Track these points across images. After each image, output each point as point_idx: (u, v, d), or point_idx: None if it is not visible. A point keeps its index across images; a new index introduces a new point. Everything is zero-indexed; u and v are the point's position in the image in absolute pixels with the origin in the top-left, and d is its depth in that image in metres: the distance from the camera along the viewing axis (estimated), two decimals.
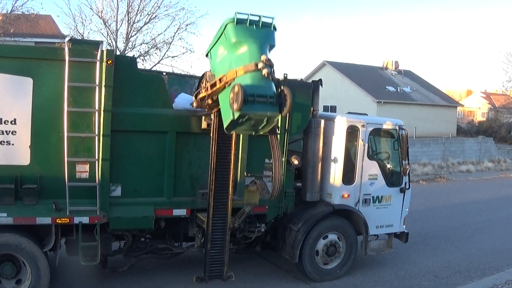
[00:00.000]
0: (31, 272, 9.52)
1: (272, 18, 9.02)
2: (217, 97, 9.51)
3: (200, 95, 10.09)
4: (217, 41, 9.34)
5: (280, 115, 9.25)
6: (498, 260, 14.35)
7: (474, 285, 12.22)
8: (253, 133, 9.46)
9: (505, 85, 69.88)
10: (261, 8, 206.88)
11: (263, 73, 8.55)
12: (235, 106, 8.38)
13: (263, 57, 8.62)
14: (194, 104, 10.39)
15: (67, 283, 10.91)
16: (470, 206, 22.86)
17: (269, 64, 8.64)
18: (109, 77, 9.49)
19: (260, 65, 8.55)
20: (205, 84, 9.79)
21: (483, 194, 26.75)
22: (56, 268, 10.41)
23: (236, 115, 8.56)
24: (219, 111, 9.72)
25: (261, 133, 9.38)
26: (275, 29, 9.12)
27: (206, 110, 10.19)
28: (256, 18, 8.86)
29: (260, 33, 8.91)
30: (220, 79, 9.11)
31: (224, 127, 9.10)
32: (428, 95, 63.27)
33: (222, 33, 9.03)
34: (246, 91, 8.35)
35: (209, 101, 9.88)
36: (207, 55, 9.94)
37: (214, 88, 9.35)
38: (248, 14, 8.77)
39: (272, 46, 9.13)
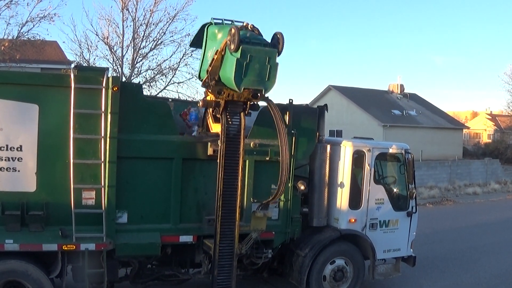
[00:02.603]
0: None
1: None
2: (219, 76, 9.82)
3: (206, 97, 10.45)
4: (204, 52, 10.02)
5: (278, 53, 9.59)
6: (506, 282, 14.29)
7: None
8: (263, 91, 9.81)
9: (510, 106, 69.95)
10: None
11: (249, 28, 9.48)
12: (233, 46, 9.09)
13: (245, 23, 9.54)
14: (201, 103, 10.57)
15: None
16: (477, 229, 22.73)
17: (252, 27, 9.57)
18: (115, 103, 9.52)
19: (244, 24, 9.52)
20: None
21: (490, 216, 26.61)
22: None
23: (238, 54, 9.12)
24: (226, 137, 9.78)
25: (269, 89, 9.85)
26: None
27: (211, 91, 10.19)
28: (229, 22, 9.67)
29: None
30: (216, 54, 9.60)
31: (233, 83, 9.36)
32: (434, 118, 63.28)
33: (206, 39, 9.71)
34: (241, 35, 9.02)
35: (213, 83, 9.94)
36: (199, 77, 10.36)
37: (214, 63, 9.69)
38: (222, 19, 9.71)
39: None
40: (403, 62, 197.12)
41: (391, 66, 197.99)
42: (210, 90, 10.11)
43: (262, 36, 9.63)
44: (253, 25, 9.62)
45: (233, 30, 9.10)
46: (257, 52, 9.26)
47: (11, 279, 9.40)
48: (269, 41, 9.66)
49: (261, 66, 9.32)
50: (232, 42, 9.08)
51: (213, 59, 9.72)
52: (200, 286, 12.07)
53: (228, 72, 9.40)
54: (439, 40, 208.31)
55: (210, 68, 9.76)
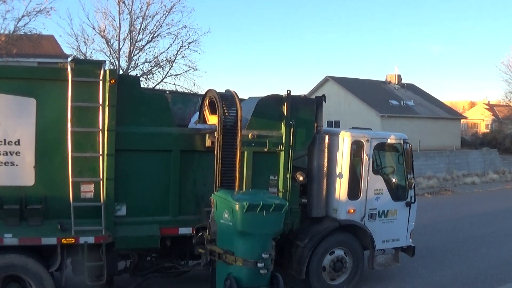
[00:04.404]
0: None
1: (286, 203, 9.50)
2: None
3: None
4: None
5: None
6: (505, 272, 14.27)
7: None
8: None
9: (508, 96, 69.91)
10: (262, 24, 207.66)
11: (260, 272, 9.16)
12: None
13: (264, 255, 9.15)
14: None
15: None
16: (476, 219, 22.76)
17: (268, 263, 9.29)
18: (112, 96, 9.52)
19: (259, 265, 9.13)
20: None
21: (488, 206, 26.65)
22: None
23: None
24: (223, 128, 9.77)
25: None
26: (286, 210, 9.49)
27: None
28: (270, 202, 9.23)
29: (269, 220, 9.22)
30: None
31: None
32: (432, 108, 63.36)
33: (231, 209, 9.19)
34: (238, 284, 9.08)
35: None
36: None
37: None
38: (260, 204, 9.04)
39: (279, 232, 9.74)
40: (400, 52, 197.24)
41: (388, 56, 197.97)
42: None
43: (272, 264, 9.65)
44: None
45: (229, 282, 9.19)
46: None
47: (10, 273, 9.40)
48: None
49: None
50: None
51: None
52: (200, 278, 12.10)
53: None
54: (435, 29, 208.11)
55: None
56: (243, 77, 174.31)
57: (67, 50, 37.53)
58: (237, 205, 8.81)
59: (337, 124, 51.56)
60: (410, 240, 13.05)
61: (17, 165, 9.33)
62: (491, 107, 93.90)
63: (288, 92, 11.01)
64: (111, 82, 9.51)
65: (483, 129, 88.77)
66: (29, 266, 9.37)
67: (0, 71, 9.80)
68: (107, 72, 9.56)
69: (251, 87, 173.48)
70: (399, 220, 12.64)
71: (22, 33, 31.61)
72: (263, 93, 11.33)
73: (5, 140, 9.23)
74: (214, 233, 9.60)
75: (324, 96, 11.93)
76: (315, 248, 11.44)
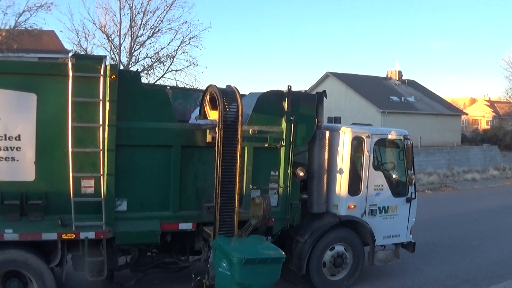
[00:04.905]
0: None
1: (283, 255, 9.34)
2: None
3: None
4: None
5: None
6: (506, 268, 14.29)
7: None
8: None
9: (508, 92, 69.85)
10: (262, 20, 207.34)
11: None
12: None
13: None
14: None
15: None
16: (476, 215, 22.78)
17: None
18: (113, 91, 9.51)
19: None
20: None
21: (489, 202, 26.67)
22: (62, 284, 10.35)
23: None
24: (224, 124, 9.77)
25: None
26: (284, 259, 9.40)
27: None
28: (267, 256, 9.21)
29: (267, 272, 9.19)
30: None
31: None
32: (432, 105, 63.27)
33: (229, 260, 9.11)
34: None
35: None
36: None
37: None
38: (257, 258, 9.01)
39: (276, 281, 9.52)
40: (401, 48, 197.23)
41: (389, 52, 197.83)
42: None
43: None
44: None
45: None
46: None
47: (11, 269, 9.41)
48: None
49: None
50: None
51: None
52: (200, 274, 12.10)
53: None
54: (436, 26, 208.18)
55: None
56: (244, 73, 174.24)
57: (67, 46, 37.59)
58: (235, 259, 8.79)
59: (337, 120, 51.50)
60: (411, 236, 13.05)
61: (17, 160, 9.33)
62: (491, 104, 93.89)
63: (289, 87, 11.00)
64: (112, 77, 9.49)
65: (483, 125, 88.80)
66: (30, 261, 9.38)
67: (0, 67, 9.79)
68: (108, 67, 9.54)
69: (251, 83, 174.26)
70: (399, 216, 12.64)
71: (23, 28, 31.62)
72: (263, 89, 11.33)
73: (5, 135, 9.22)
74: (212, 278, 9.58)
75: (324, 91, 11.91)
76: (316, 243, 11.45)
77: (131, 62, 36.69)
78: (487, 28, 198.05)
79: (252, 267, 8.70)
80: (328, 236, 11.65)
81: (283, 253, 9.12)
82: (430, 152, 40.59)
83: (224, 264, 8.98)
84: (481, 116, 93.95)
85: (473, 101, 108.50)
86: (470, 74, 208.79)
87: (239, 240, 9.90)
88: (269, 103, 11.01)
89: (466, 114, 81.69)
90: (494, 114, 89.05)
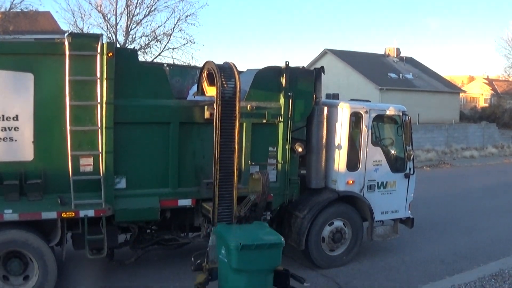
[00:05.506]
0: (39, 268, 9.52)
1: (282, 241, 8.98)
2: None
3: None
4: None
5: None
6: (504, 246, 14.31)
7: (480, 270, 12.12)
8: None
9: (507, 71, 69.81)
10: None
11: None
12: None
13: None
14: None
15: (75, 277, 10.90)
16: (474, 192, 22.81)
17: None
18: (110, 69, 9.48)
19: None
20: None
21: (487, 180, 26.73)
22: (63, 263, 10.39)
23: None
24: (222, 100, 9.75)
25: None
26: (283, 244, 9.06)
27: None
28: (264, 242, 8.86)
29: (265, 257, 8.88)
30: None
31: None
32: (431, 82, 63.26)
33: (227, 246, 8.89)
34: None
35: None
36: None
37: None
38: (254, 244, 8.70)
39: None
40: (399, 25, 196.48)
41: (387, 29, 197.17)
42: None
43: None
44: None
45: None
46: None
47: (11, 249, 9.44)
48: None
49: None
50: None
51: None
52: (200, 257, 12.14)
53: None
54: (434, 1, 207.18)
55: None
56: (241, 50, 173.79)
57: (63, 26, 37.53)
58: (231, 245, 8.62)
59: (335, 97, 51.40)
60: (409, 211, 13.10)
61: (16, 140, 9.31)
62: (490, 82, 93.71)
63: (287, 63, 10.98)
64: (109, 55, 9.44)
65: (482, 103, 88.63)
66: (30, 241, 9.38)
67: None
68: (105, 45, 9.49)
69: (248, 60, 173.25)
70: (398, 191, 12.68)
71: (18, 10, 31.49)
72: (261, 66, 11.30)
73: (3, 116, 9.19)
74: (212, 262, 9.57)
75: (322, 67, 11.88)
76: (314, 219, 11.49)
77: (127, 41, 36.61)
78: (486, 6, 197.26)
79: (249, 253, 8.60)
80: (327, 211, 11.69)
81: (282, 238, 9.06)
82: (429, 129, 40.62)
83: (223, 251, 8.97)
84: (479, 94, 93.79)
85: (471, 79, 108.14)
86: (468, 53, 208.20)
87: (240, 227, 9.87)
88: (267, 79, 10.98)
89: (465, 91, 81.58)
90: (493, 92, 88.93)
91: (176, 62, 35.76)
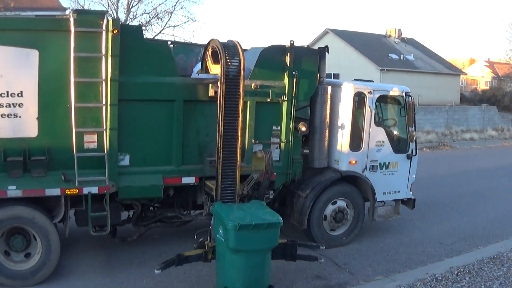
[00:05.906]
0: (42, 246, 9.53)
1: (280, 221, 8.86)
2: None
3: None
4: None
5: None
6: (503, 228, 14.38)
7: (479, 252, 12.16)
8: None
9: (508, 54, 69.62)
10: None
11: None
12: None
13: None
14: None
15: (77, 253, 10.95)
16: (474, 174, 22.91)
17: None
18: (115, 46, 9.43)
19: None
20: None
21: (487, 162, 26.80)
22: (66, 240, 10.41)
23: None
24: (226, 78, 9.74)
25: None
26: (281, 224, 8.94)
27: None
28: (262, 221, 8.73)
29: (263, 237, 8.77)
30: None
31: None
32: (431, 63, 63.07)
33: (224, 226, 8.78)
34: None
35: None
36: None
37: None
38: (252, 224, 8.57)
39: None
40: (401, 5, 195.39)
41: (388, 10, 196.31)
42: None
43: None
44: None
45: None
46: None
47: (15, 225, 9.45)
48: None
49: None
50: None
51: None
52: (202, 228, 12.18)
53: None
54: None
55: None
56: (242, 29, 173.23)
57: (64, 3, 37.31)
58: (229, 225, 8.53)
59: (336, 77, 50.97)
60: (411, 192, 13.14)
61: (20, 116, 9.28)
62: (491, 65, 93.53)
63: (292, 42, 10.94)
64: (114, 32, 9.40)
65: (482, 86, 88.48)
66: (37, 219, 9.38)
67: (1, 23, 9.68)
68: (110, 22, 9.44)
69: (250, 39, 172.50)
70: (400, 172, 12.72)
71: None
72: (262, 45, 11.27)
73: (7, 92, 9.15)
74: (214, 240, 9.58)
75: (327, 47, 11.84)
76: (317, 198, 11.55)
77: (128, 18, 36.50)
78: None
79: (246, 233, 8.55)
80: (329, 191, 11.74)
81: (280, 218, 9.06)
82: (429, 111, 40.62)
83: (220, 231, 8.97)
84: (480, 77, 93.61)
85: (472, 61, 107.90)
86: (470, 35, 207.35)
87: (237, 206, 9.79)
88: (272, 58, 10.96)
89: (465, 74, 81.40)
90: (493, 75, 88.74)
91: (177, 40, 35.67)
